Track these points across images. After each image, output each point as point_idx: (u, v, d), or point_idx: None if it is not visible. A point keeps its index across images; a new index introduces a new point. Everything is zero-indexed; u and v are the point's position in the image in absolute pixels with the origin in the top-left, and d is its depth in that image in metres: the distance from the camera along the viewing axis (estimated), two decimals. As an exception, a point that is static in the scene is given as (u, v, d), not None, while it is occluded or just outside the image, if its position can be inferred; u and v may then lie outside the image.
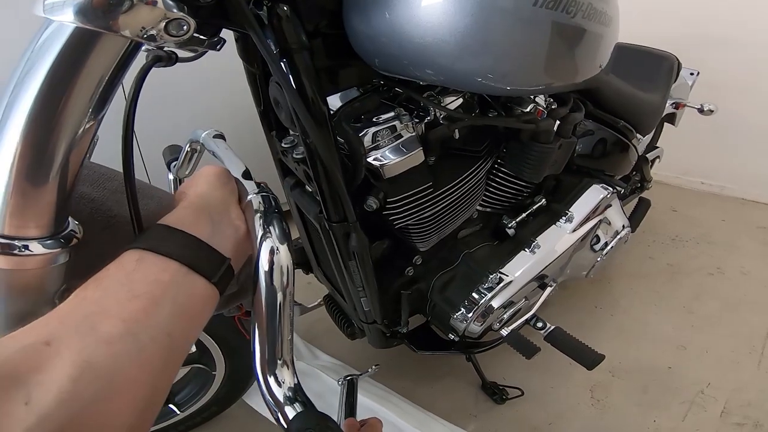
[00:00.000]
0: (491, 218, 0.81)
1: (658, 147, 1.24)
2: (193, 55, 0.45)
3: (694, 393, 1.01)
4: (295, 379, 0.34)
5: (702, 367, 1.07)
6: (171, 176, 0.60)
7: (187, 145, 0.57)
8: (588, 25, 0.51)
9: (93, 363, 0.25)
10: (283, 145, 0.54)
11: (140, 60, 0.36)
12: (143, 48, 0.35)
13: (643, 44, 1.11)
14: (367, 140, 0.54)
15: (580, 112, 0.70)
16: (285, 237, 0.36)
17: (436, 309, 0.78)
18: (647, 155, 1.17)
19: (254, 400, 0.96)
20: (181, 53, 0.41)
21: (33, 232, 0.32)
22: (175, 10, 0.31)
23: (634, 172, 1.13)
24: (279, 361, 0.34)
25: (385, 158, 0.55)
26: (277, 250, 0.35)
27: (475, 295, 0.76)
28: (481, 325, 0.78)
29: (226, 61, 0.59)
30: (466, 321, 0.76)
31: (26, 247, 0.31)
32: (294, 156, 0.52)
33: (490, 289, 0.76)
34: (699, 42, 1.47)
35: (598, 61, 0.60)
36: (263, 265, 0.35)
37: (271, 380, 0.33)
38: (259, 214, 0.37)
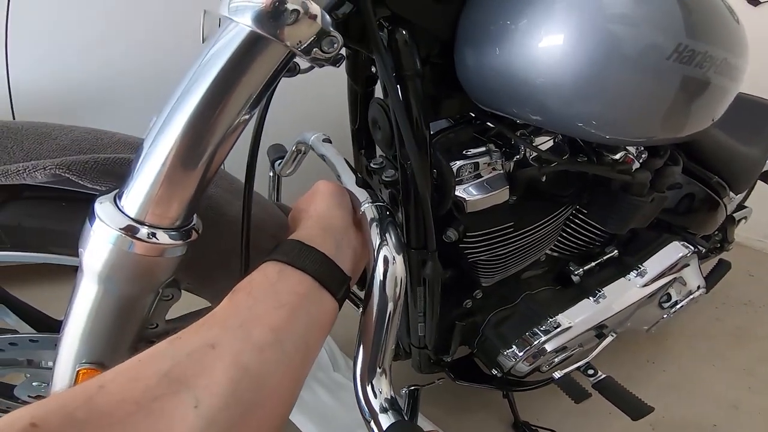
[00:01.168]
0: (558, 263, 0.78)
1: (746, 207, 1.14)
2: (309, 66, 0.47)
3: (737, 454, 0.93)
4: (392, 390, 0.35)
5: (750, 428, 0.98)
6: (271, 173, 0.63)
7: (294, 146, 0.59)
8: (716, 80, 0.48)
9: (248, 368, 0.26)
10: (372, 165, 0.55)
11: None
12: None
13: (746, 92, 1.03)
14: (457, 172, 0.54)
15: (678, 166, 0.66)
16: (401, 247, 0.37)
17: (486, 343, 0.76)
18: (734, 215, 1.08)
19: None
20: (303, 65, 0.42)
21: (165, 222, 0.34)
22: (331, 28, 0.32)
23: (716, 233, 1.05)
24: (378, 370, 0.35)
25: (470, 193, 0.54)
26: (393, 260, 0.36)
27: (529, 335, 0.74)
28: (531, 365, 0.75)
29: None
30: (515, 359, 0.74)
31: (153, 235, 0.33)
32: (383, 178, 0.53)
33: (546, 332, 0.73)
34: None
35: (712, 115, 0.56)
36: (379, 275, 0.35)
37: (369, 388, 0.34)
38: (375, 224, 0.37)
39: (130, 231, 0.33)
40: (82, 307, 0.36)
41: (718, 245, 1.09)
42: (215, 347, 0.26)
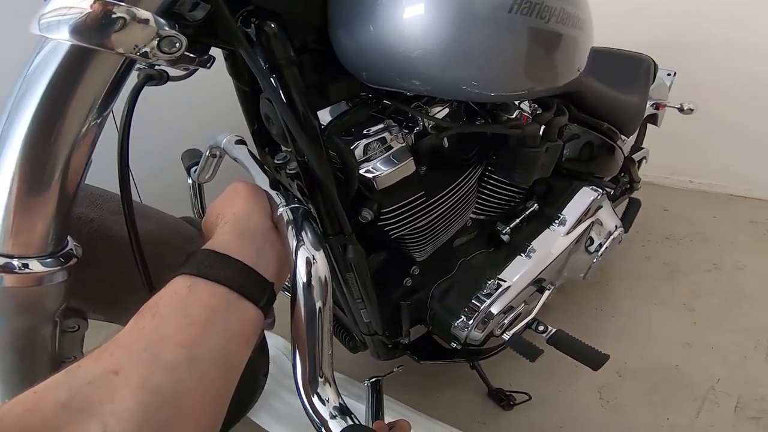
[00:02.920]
0: (485, 225, 0.81)
1: (643, 148, 1.27)
2: (184, 73, 0.47)
3: (705, 390, 1.00)
4: (340, 397, 0.34)
5: (709, 364, 1.06)
6: (190, 181, 0.60)
7: (208, 151, 0.57)
8: (563, 29, 0.53)
9: (160, 389, 0.25)
10: (276, 161, 0.55)
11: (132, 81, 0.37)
12: (136, 66, 0.36)
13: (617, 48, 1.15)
14: (359, 153, 0.55)
15: (564, 116, 0.72)
16: (320, 243, 0.36)
17: (437, 318, 0.77)
18: (633, 156, 1.20)
19: (261, 417, 0.94)
20: (172, 72, 0.42)
21: (32, 251, 0.32)
22: (166, 28, 0.32)
23: (622, 174, 1.15)
24: (321, 379, 0.34)
25: (377, 170, 0.55)
26: (314, 259, 0.35)
27: (474, 302, 0.76)
28: (482, 331, 0.77)
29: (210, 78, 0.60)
30: (467, 328, 0.76)
31: (26, 266, 0.32)
32: (287, 171, 0.53)
33: (488, 296, 0.76)
34: (672, 45, 1.52)
35: (576, 64, 0.62)
36: (301, 276, 0.34)
37: (315, 399, 0.33)
38: (291, 225, 0.37)
39: (-3, 266, 0.31)
40: (-18, 348, 0.33)
41: (628, 186, 1.20)
42: (119, 373, 0.25)
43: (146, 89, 0.40)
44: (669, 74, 1.25)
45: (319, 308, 0.34)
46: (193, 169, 0.60)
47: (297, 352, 0.34)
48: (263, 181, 0.42)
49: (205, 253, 0.32)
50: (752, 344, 1.10)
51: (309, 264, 0.34)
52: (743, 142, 1.59)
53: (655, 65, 1.12)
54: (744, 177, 1.62)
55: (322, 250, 0.36)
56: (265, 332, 0.75)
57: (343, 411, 0.33)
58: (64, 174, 0.32)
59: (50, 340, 0.38)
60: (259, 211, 0.38)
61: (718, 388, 1.00)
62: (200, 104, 1.19)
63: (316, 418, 0.33)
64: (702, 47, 1.52)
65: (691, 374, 1.04)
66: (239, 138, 0.53)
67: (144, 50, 0.32)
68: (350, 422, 0.33)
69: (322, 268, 0.35)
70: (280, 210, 0.38)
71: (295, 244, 0.35)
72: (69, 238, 0.36)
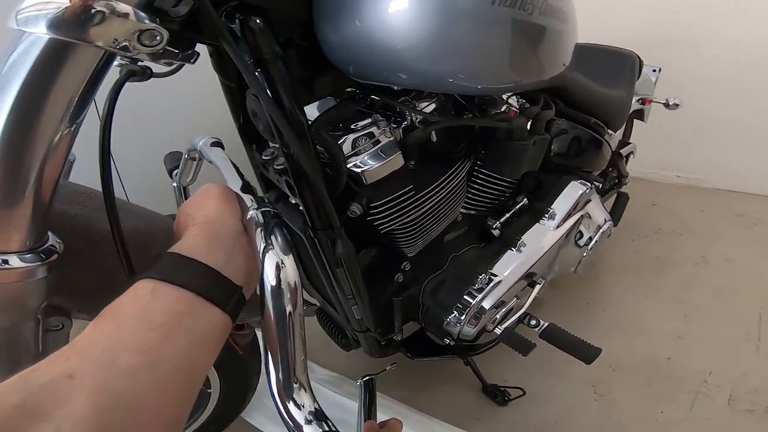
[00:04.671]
0: (476, 220, 0.82)
1: (630, 143, 1.29)
2: (168, 70, 0.46)
3: (698, 382, 1.01)
4: (315, 402, 0.34)
5: (701, 357, 1.07)
6: (174, 184, 0.59)
7: (186, 154, 0.56)
8: (546, 22, 0.54)
9: (117, 395, 0.25)
10: (263, 157, 0.55)
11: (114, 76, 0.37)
12: (116, 63, 0.36)
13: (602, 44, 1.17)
14: (347, 147, 0.55)
15: (551, 110, 0.73)
16: (288, 248, 0.36)
17: (429, 314, 0.77)
18: (621, 151, 1.21)
19: (254, 417, 0.93)
20: (156, 68, 0.41)
21: (12, 246, 0.32)
22: (147, 21, 0.32)
23: (610, 168, 1.17)
24: (295, 385, 0.33)
25: (365, 164, 0.55)
26: (282, 263, 0.34)
27: (466, 297, 0.76)
28: (475, 326, 0.78)
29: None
30: (459, 323, 0.76)
31: (5, 261, 0.31)
32: (275, 167, 0.53)
33: (480, 290, 0.76)
34: (657, 42, 1.55)
35: (561, 58, 0.63)
36: (269, 280, 0.34)
37: (290, 405, 0.33)
38: (259, 229, 0.36)
39: (-25, 262, 0.30)
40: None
41: (616, 180, 1.21)
42: (74, 377, 0.25)
43: (137, 87, 0.39)
44: (654, 70, 1.27)
45: (289, 312, 0.34)
46: (175, 172, 0.60)
47: (269, 357, 0.33)
48: (236, 184, 0.42)
49: (170, 256, 0.32)
50: (742, 336, 1.11)
51: (278, 268, 0.34)
52: (729, 137, 1.61)
53: (641, 61, 1.14)
54: (730, 171, 1.65)
55: (291, 255, 0.35)
56: (257, 331, 0.75)
57: (319, 416, 0.33)
58: (43, 169, 0.32)
59: (33, 339, 0.37)
60: (231, 214, 0.38)
61: (711, 381, 1.01)
62: (190, 102, 1.18)
63: (291, 424, 0.32)
64: (685, 44, 1.55)
65: (684, 367, 1.05)
66: (216, 140, 0.53)
67: (124, 44, 0.32)
68: (326, 428, 0.33)
69: (291, 272, 0.35)
70: (251, 213, 0.38)
71: (263, 247, 0.35)
72: (50, 233, 0.35)
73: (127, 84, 0.39)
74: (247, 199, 0.40)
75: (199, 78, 0.55)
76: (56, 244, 0.35)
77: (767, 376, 1.01)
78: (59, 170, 0.33)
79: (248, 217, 0.38)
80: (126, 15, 0.31)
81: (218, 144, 0.54)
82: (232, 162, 0.48)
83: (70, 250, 0.38)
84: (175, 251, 0.32)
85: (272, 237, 0.35)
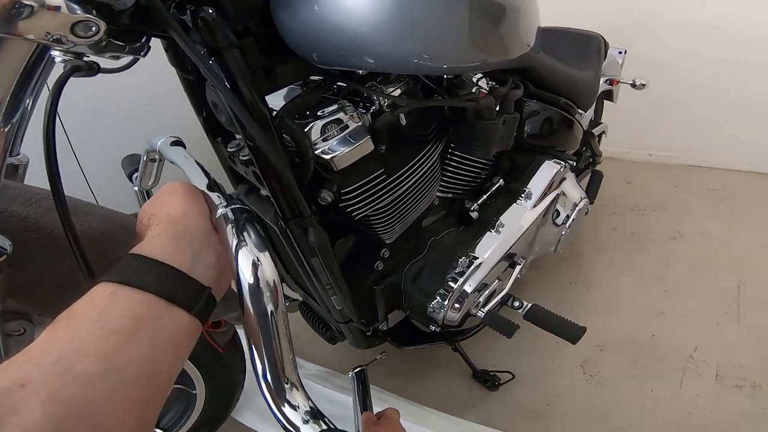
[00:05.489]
0: (453, 204, 0.82)
1: (602, 123, 1.31)
2: (120, 67, 0.45)
3: (684, 359, 1.03)
4: (310, 400, 0.33)
5: (685, 332, 1.09)
6: (135, 188, 0.57)
7: (145, 155, 0.54)
8: (503, 1, 0.54)
9: (73, 402, 0.24)
10: (229, 149, 0.53)
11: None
12: (60, 59, 0.34)
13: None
14: (315, 134, 0.54)
15: (519, 90, 0.73)
16: (263, 245, 0.34)
17: (412, 301, 0.77)
18: (593, 131, 1.23)
19: (245, 416, 0.92)
20: (104, 63, 0.40)
21: None
22: (80, 12, 0.31)
23: (584, 148, 1.19)
24: (287, 386, 0.32)
25: (334, 150, 0.55)
26: (258, 260, 0.33)
27: (448, 281, 0.76)
28: (459, 311, 0.78)
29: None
30: (443, 309, 0.76)
31: None
32: (241, 158, 0.52)
33: (461, 274, 0.76)
34: (620, 27, 1.58)
35: (524, 38, 0.64)
36: (246, 278, 0.33)
37: (285, 407, 0.32)
38: (230, 226, 0.35)
39: None
40: None
41: (590, 160, 1.23)
42: (26, 386, 0.24)
43: (103, 85, 0.38)
44: (620, 52, 1.30)
45: (271, 311, 0.33)
46: (135, 175, 0.57)
47: (256, 360, 0.33)
48: (201, 182, 0.41)
49: (131, 258, 0.31)
50: (723, 310, 1.13)
51: (255, 266, 0.33)
52: (696, 115, 1.66)
53: (606, 43, 1.16)
54: (699, 148, 1.70)
55: (267, 252, 0.34)
56: (237, 328, 0.73)
57: (316, 415, 0.32)
58: None
59: None
60: (197, 212, 0.36)
61: (697, 357, 1.03)
62: (157, 98, 1.14)
63: (288, 426, 0.32)
64: (647, 29, 1.59)
65: (669, 344, 1.07)
66: (175, 139, 0.51)
67: (56, 36, 0.30)
68: (324, 426, 0.32)
69: (269, 270, 0.34)
70: (221, 210, 0.36)
71: (235, 243, 0.34)
72: None
73: (95, 80, 0.37)
74: (215, 197, 0.38)
75: (167, 71, 0.53)
76: (5, 245, 0.34)
77: (751, 350, 1.03)
78: (1, 166, 0.31)
79: (218, 214, 0.36)
80: (57, 8, 0.30)
81: (179, 143, 0.53)
82: (195, 161, 0.47)
83: (23, 251, 0.36)
84: (136, 252, 0.31)
85: (245, 233, 0.34)
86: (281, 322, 0.33)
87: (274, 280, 0.34)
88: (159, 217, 0.35)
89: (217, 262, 0.34)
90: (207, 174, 0.43)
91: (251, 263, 0.33)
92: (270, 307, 0.33)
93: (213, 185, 0.41)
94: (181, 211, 0.35)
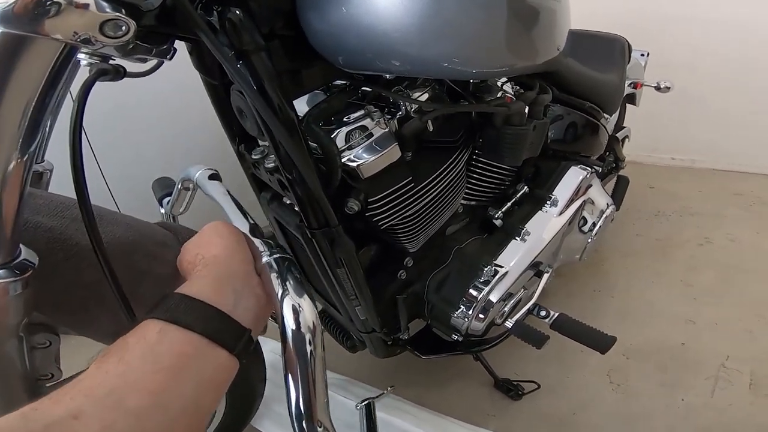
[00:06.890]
0: (477, 211, 0.80)
1: (625, 127, 1.28)
2: (145, 71, 0.44)
3: (716, 367, 0.98)
4: None
5: (716, 340, 1.04)
6: (163, 211, 0.58)
7: (180, 183, 0.54)
8: (541, 3, 0.52)
9: None
10: (253, 156, 0.52)
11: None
12: (85, 63, 0.33)
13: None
14: (340, 141, 0.53)
15: (548, 94, 0.71)
16: (302, 289, 0.36)
17: (435, 310, 0.75)
18: (617, 135, 1.20)
19: (264, 425, 0.90)
20: (130, 67, 0.39)
21: None
22: (109, 11, 0.30)
23: (607, 153, 1.15)
24: (319, 429, 0.34)
25: (361, 157, 0.53)
26: (300, 306, 0.35)
27: (472, 291, 0.74)
28: (483, 321, 0.75)
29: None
30: (467, 318, 0.74)
31: None
32: (266, 166, 0.51)
33: (486, 283, 0.74)
34: (644, 27, 1.54)
35: (555, 42, 0.62)
36: (289, 325, 0.34)
37: None
38: (275, 274, 0.36)
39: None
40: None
41: (614, 164, 1.20)
42: (78, 418, 0.25)
43: (127, 90, 0.37)
44: (643, 54, 1.27)
45: (311, 352, 0.35)
46: (166, 200, 0.58)
47: (292, 400, 0.34)
48: (243, 225, 0.42)
49: (179, 297, 0.32)
50: (755, 318, 1.08)
51: (296, 312, 0.35)
52: (720, 118, 1.61)
53: (629, 45, 1.13)
54: (724, 151, 1.65)
55: (306, 295, 0.36)
56: (258, 338, 0.72)
57: None
58: (4, 178, 0.29)
59: (19, 357, 0.36)
60: (240, 256, 0.38)
61: (729, 365, 0.98)
62: (184, 107, 1.14)
63: None
64: (672, 29, 1.54)
65: (699, 352, 1.02)
66: (213, 172, 0.52)
67: (85, 36, 0.29)
68: None
69: (309, 314, 0.35)
70: (265, 259, 0.38)
71: (280, 293, 0.36)
72: (23, 247, 0.33)
73: (116, 86, 0.36)
74: (258, 243, 0.40)
75: (193, 75, 0.52)
76: (31, 258, 0.33)
77: (786, 359, 0.98)
78: (23, 178, 0.31)
79: (263, 262, 0.38)
80: (86, 6, 0.29)
81: (216, 177, 0.52)
82: (234, 199, 0.47)
83: (48, 263, 0.35)
84: (184, 292, 0.33)
85: (287, 283, 0.36)
86: (320, 364, 0.35)
87: (314, 324, 0.35)
88: (206, 257, 0.37)
89: (256, 304, 0.36)
90: (247, 215, 0.44)
91: (292, 309, 0.35)
92: (310, 349, 0.34)
93: (254, 229, 0.42)
94: (226, 253, 0.37)
